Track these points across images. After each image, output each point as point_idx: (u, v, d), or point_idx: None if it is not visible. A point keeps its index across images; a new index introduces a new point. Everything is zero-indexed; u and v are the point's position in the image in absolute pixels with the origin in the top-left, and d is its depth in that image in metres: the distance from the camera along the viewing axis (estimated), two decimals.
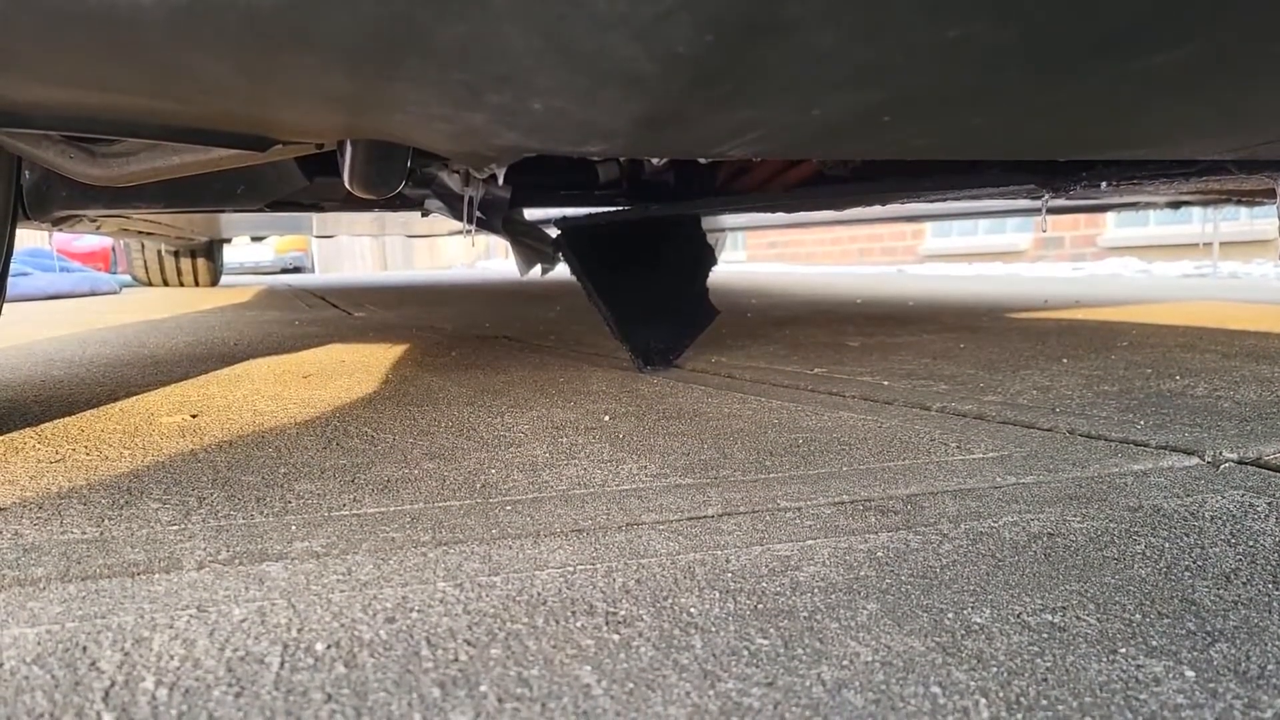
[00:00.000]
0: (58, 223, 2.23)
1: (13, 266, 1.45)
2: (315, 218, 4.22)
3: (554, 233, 2.23)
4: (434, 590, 0.72)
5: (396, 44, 0.68)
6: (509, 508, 0.94)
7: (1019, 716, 0.53)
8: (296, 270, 14.90)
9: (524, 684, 0.57)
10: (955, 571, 0.76)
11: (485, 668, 0.59)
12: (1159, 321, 2.85)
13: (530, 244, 2.57)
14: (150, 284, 6.59)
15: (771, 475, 1.06)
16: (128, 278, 7.07)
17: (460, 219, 2.05)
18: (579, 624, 0.66)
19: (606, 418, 1.42)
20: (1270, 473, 1.05)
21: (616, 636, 0.64)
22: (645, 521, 0.90)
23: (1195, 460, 1.11)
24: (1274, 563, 0.77)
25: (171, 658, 0.61)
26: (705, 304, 2.27)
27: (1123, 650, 0.61)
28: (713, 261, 2.37)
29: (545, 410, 1.49)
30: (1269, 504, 0.93)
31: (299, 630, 0.65)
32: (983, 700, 0.55)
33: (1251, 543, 0.82)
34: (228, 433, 1.33)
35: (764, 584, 0.73)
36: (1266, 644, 0.62)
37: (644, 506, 0.94)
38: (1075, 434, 1.26)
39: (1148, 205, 3.26)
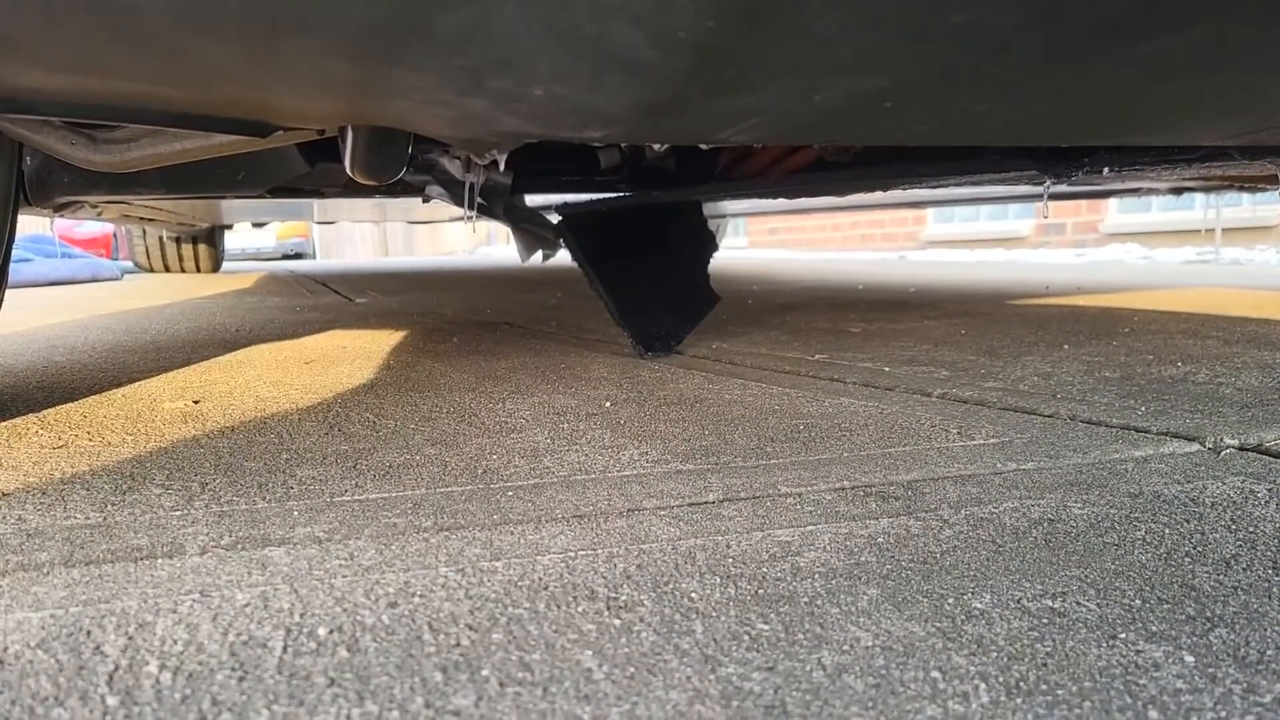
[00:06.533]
0: (59, 209, 2.23)
1: (14, 253, 1.45)
2: (317, 204, 4.22)
3: (555, 219, 2.22)
4: (436, 575, 0.72)
5: (398, 29, 0.68)
6: (510, 493, 0.95)
7: (1018, 701, 0.53)
8: (298, 256, 14.89)
9: (526, 668, 0.57)
10: (956, 557, 0.76)
11: (487, 652, 0.60)
12: (1161, 308, 2.85)
13: (531, 230, 2.56)
14: (152, 270, 6.59)
15: (772, 461, 1.06)
16: (129, 264, 7.06)
17: (461, 205, 2.05)
18: (580, 609, 0.66)
19: (608, 404, 1.42)
20: (1271, 459, 1.05)
21: (618, 621, 0.64)
22: (646, 507, 0.90)
23: (1196, 446, 1.11)
24: (1274, 549, 0.77)
25: (175, 642, 0.61)
26: (706, 290, 2.27)
27: (1122, 635, 0.62)
28: (714, 247, 2.37)
29: (546, 396, 1.49)
30: (1269, 490, 0.93)
31: (301, 615, 0.65)
32: (982, 685, 0.55)
33: (1252, 529, 0.82)
34: (230, 419, 1.33)
35: (765, 569, 0.74)
36: (1266, 629, 0.62)
37: (645, 492, 0.95)
38: (1076, 420, 1.26)
39: (1150, 191, 3.25)
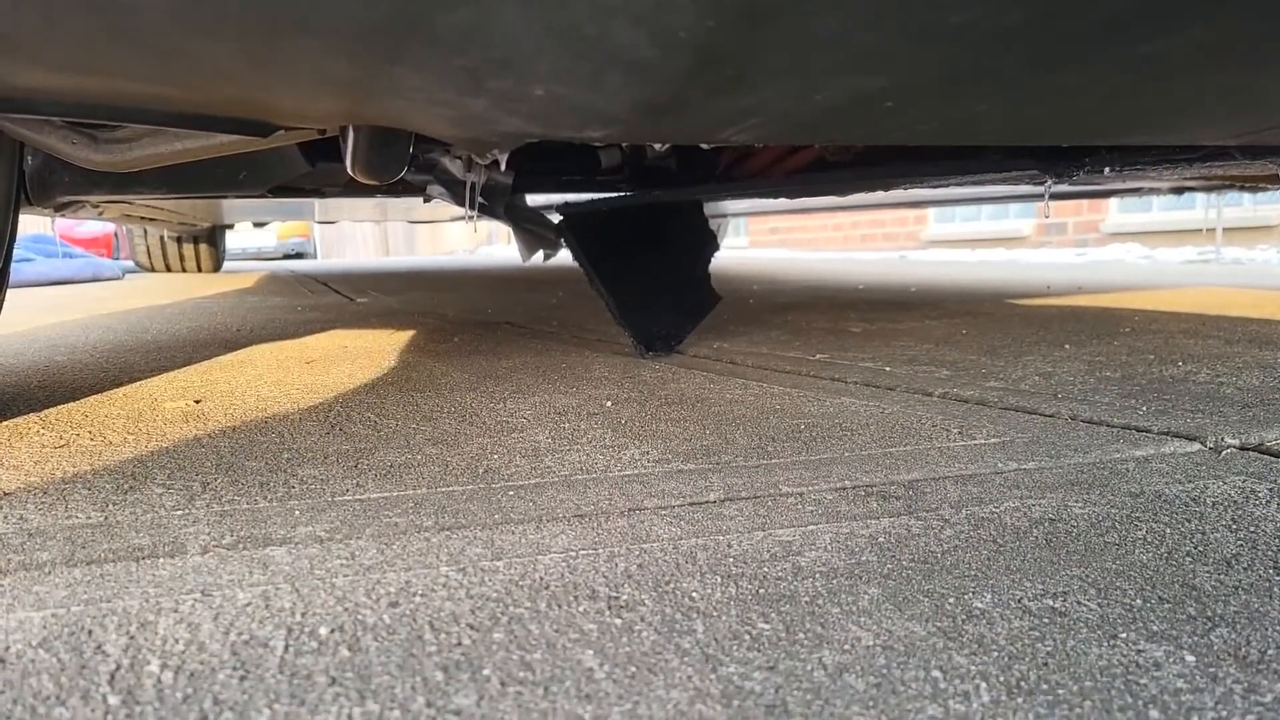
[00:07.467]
0: (60, 208, 2.23)
1: (16, 253, 1.45)
2: (318, 203, 4.22)
3: (556, 218, 2.22)
4: (437, 575, 0.72)
5: (398, 29, 0.68)
6: (512, 493, 0.95)
7: (1019, 700, 0.53)
8: (299, 256, 14.89)
9: (527, 668, 0.58)
10: (956, 557, 0.76)
11: (488, 651, 0.60)
12: (1162, 308, 2.84)
13: (532, 230, 2.56)
14: (153, 270, 6.59)
15: (773, 461, 1.06)
16: (130, 264, 7.06)
17: (463, 205, 2.05)
18: (581, 608, 0.66)
19: (609, 403, 1.42)
20: (1272, 458, 1.05)
21: (619, 621, 0.64)
22: (647, 507, 0.90)
23: (1197, 446, 1.11)
24: (1275, 548, 0.77)
25: (176, 641, 0.61)
26: (707, 289, 2.27)
27: (1123, 635, 0.62)
28: (715, 247, 2.37)
29: (547, 396, 1.49)
30: (1270, 489, 0.93)
31: (303, 614, 0.65)
32: (983, 684, 0.55)
33: (1253, 528, 0.82)
34: (231, 418, 1.33)
35: (766, 569, 0.74)
36: (1267, 629, 0.62)
37: (646, 492, 0.95)
38: (1077, 420, 1.26)
39: (1151, 191, 3.25)
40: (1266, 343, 1.98)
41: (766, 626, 0.63)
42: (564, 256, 2.63)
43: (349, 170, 1.12)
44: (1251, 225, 7.27)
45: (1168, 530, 0.82)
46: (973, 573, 0.73)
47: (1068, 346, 1.99)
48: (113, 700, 0.54)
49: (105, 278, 5.91)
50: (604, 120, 0.93)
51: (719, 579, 0.72)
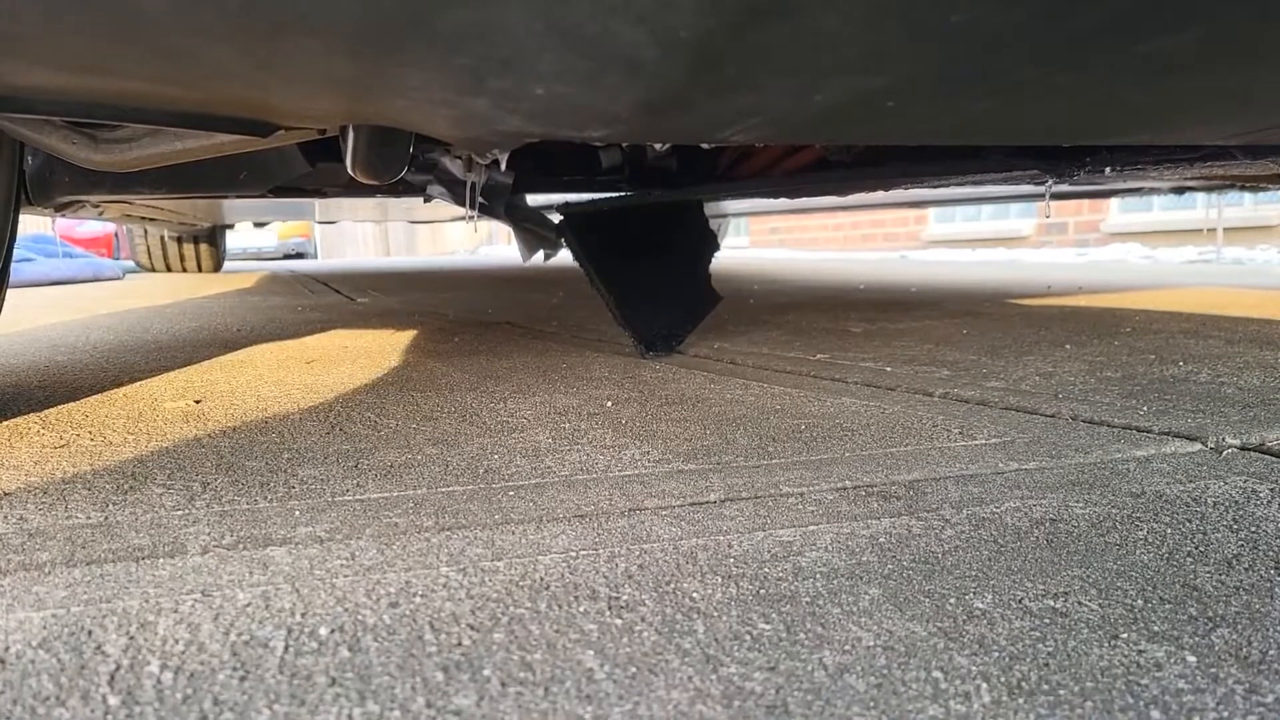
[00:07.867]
0: (60, 208, 2.23)
1: (16, 253, 1.45)
2: (318, 203, 4.22)
3: (556, 218, 2.22)
4: (437, 575, 0.72)
5: (398, 28, 0.68)
6: (512, 493, 0.95)
7: (1020, 701, 0.53)
8: (299, 256, 14.89)
9: (527, 668, 0.57)
10: (957, 557, 0.76)
11: (488, 652, 0.60)
12: (1162, 307, 2.84)
13: (533, 230, 2.56)
14: (153, 270, 6.59)
15: (774, 461, 1.06)
16: (131, 263, 7.06)
17: (463, 205, 2.05)
18: (582, 609, 0.66)
19: (609, 403, 1.42)
20: (1273, 459, 1.05)
21: (619, 621, 0.64)
22: (648, 507, 0.90)
23: (1198, 446, 1.11)
24: (1276, 549, 0.77)
25: (176, 641, 0.61)
26: (708, 289, 2.26)
27: (1124, 635, 0.62)
28: (715, 247, 2.37)
29: (548, 396, 1.49)
30: (1271, 490, 0.93)
31: (303, 614, 0.65)
32: (984, 685, 0.55)
33: (1254, 529, 0.82)
34: (231, 418, 1.33)
35: (766, 569, 0.73)
36: (1268, 629, 0.62)
37: (646, 492, 0.95)
38: (1078, 420, 1.26)
39: (1152, 190, 3.25)
40: (1267, 343, 1.98)
41: (767, 627, 0.63)
42: (564, 256, 2.63)
43: (349, 170, 1.11)
44: (1252, 225, 7.26)
45: (1169, 530, 0.82)
46: (973, 573, 0.73)
47: (1068, 346, 1.98)
48: (112, 701, 0.53)
49: (106, 278, 5.90)
50: (605, 120, 0.93)
51: (719, 579, 0.71)
